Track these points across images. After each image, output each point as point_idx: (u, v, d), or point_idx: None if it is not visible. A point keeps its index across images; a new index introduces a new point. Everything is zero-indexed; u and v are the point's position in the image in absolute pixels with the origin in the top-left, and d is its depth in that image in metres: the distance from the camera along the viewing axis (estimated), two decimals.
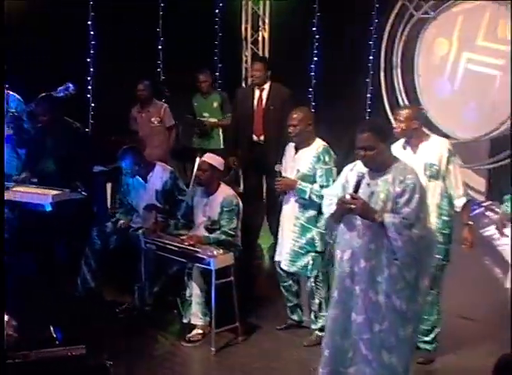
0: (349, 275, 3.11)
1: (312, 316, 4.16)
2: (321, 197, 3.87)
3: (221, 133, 6.49)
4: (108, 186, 6.30)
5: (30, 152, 5.03)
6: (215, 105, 6.40)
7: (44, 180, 4.60)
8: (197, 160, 6.38)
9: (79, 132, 4.95)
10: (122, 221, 4.71)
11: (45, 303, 4.39)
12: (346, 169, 3.26)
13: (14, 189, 4.42)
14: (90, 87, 6.90)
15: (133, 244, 4.53)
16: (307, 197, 3.94)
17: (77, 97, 5.39)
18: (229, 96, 6.50)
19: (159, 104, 6.17)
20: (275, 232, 5.56)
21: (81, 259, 4.62)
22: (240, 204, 4.42)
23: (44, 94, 4.81)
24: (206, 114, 6.42)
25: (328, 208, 3.20)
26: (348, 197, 3.05)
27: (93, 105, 6.92)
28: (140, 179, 4.74)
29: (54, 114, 4.75)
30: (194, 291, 4.21)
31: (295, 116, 4.00)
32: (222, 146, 6.45)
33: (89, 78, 6.91)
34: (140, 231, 4.59)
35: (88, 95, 6.92)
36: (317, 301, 4.11)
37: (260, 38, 7.50)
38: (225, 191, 4.43)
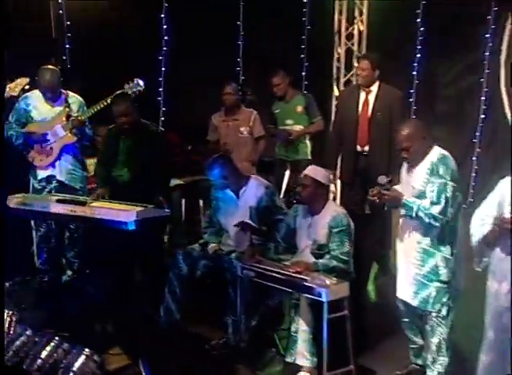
0: (508, 310, 2.99)
1: (430, 359, 4.02)
2: (429, 216, 3.77)
3: (308, 141, 6.41)
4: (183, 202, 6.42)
5: (101, 160, 5.10)
6: (299, 109, 6.31)
7: (117, 191, 4.67)
8: (286, 173, 6.38)
9: (158, 136, 4.97)
10: (212, 244, 4.72)
11: (126, 333, 4.51)
12: (503, 184, 3.15)
13: (92, 205, 4.51)
14: (161, 90, 7.05)
15: (225, 271, 4.53)
16: (413, 214, 3.81)
17: (147, 100, 5.45)
18: (316, 99, 6.44)
19: (248, 111, 6.15)
20: (378, 256, 5.57)
21: (165, 286, 4.65)
22: (351, 223, 4.36)
23: (119, 91, 4.86)
24: (289, 121, 6.33)
25: (480, 229, 3.10)
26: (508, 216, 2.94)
27: (164, 109, 7.07)
28: (232, 194, 4.75)
29: (133, 115, 4.78)
30: (301, 327, 4.15)
31: (405, 133, 3.85)
32: (309, 156, 6.37)
33: (160, 79, 7.05)
34: (234, 255, 4.59)
35: (159, 98, 7.08)
36: (435, 340, 3.96)
37: (356, 32, 7.43)
38: (333, 209, 4.38)
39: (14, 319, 4.20)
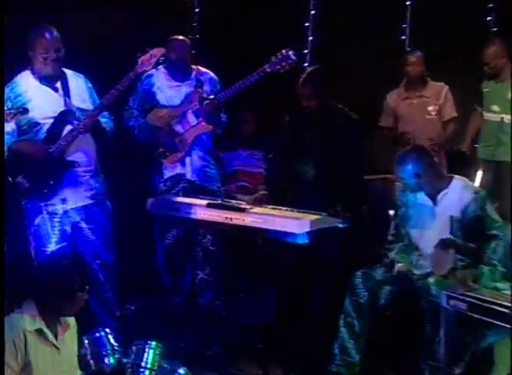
0: None
1: None
2: None
3: None
4: None
5: (279, 153, 5.11)
6: (510, 95, 5.91)
7: (298, 191, 4.72)
8: (478, 175, 6.10)
9: (355, 125, 4.96)
10: (400, 264, 4.58)
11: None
12: None
13: (253, 211, 4.45)
14: (307, 64, 6.94)
15: (420, 300, 4.41)
16: None
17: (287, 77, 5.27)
18: None
19: (437, 85, 6.03)
20: None
21: (339, 318, 4.57)
22: None
23: (314, 67, 4.93)
24: (495, 107, 5.97)
25: None
26: None
27: None
28: (427, 198, 4.60)
29: (323, 97, 4.82)
30: None
31: None
32: None
33: (306, 51, 6.97)
34: (431, 280, 4.42)
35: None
36: None
37: None
38: None
39: (157, 352, 4.22)
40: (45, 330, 3.41)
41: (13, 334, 3.30)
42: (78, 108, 4.67)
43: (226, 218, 4.43)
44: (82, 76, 4.82)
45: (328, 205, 4.57)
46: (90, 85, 4.82)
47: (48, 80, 4.65)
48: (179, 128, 5.16)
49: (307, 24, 6.93)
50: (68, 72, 4.72)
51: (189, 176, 5.20)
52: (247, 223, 4.39)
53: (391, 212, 6.17)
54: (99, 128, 4.70)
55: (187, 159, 5.18)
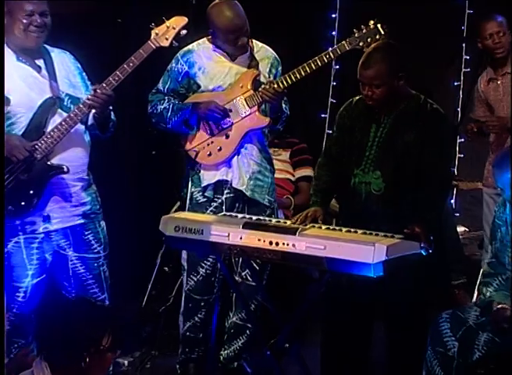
0: None
1: None
2: None
3: None
4: None
5: (330, 156, 4.70)
6: None
7: (358, 209, 4.41)
8: None
9: (440, 121, 4.54)
10: (501, 305, 4.14)
11: None
12: None
13: (307, 232, 4.06)
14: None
15: None
16: None
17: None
18: None
19: None
20: None
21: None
22: None
23: (382, 42, 4.49)
24: None
25: None
26: None
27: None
28: None
29: (393, 83, 4.40)
30: None
31: None
32: None
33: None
34: None
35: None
36: None
37: None
38: None
39: None
40: None
41: None
42: (67, 95, 4.28)
43: (271, 242, 4.00)
44: (67, 52, 4.43)
45: (400, 225, 4.17)
46: (79, 65, 4.44)
47: (27, 57, 4.25)
48: (226, 119, 4.79)
49: None
50: (50, 49, 4.35)
51: (236, 183, 4.80)
52: (299, 249, 3.95)
53: (461, 229, 5.90)
54: (108, 122, 4.37)
55: (235, 160, 4.79)
